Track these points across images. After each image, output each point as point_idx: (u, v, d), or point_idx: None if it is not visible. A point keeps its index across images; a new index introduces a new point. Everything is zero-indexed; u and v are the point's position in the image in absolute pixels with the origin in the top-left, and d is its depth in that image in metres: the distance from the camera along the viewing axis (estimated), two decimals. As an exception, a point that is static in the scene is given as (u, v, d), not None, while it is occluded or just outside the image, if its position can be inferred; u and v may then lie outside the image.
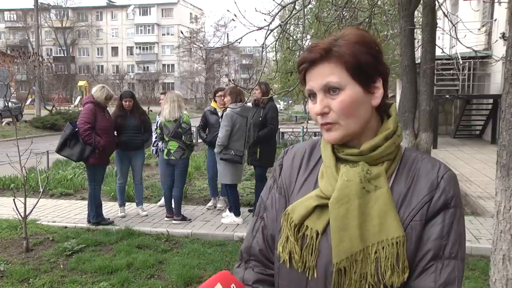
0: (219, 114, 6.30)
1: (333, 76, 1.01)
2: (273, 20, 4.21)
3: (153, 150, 6.94)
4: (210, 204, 6.73)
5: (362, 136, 1.06)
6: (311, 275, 1.03)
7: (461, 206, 1.04)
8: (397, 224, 0.98)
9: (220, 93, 6.48)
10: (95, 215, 5.73)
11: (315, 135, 15.16)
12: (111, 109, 6.23)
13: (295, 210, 1.07)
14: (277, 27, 4.61)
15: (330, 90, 1.02)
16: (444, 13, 6.28)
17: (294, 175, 1.16)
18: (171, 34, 61.25)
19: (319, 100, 1.03)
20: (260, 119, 6.05)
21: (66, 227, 5.74)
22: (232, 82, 7.39)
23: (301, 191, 1.12)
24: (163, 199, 6.79)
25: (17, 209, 4.71)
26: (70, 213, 6.48)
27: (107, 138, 5.65)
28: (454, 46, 11.89)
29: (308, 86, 1.06)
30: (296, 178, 1.15)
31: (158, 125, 6.07)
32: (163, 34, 63.17)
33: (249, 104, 6.12)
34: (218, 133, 6.19)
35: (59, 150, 5.59)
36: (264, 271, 1.17)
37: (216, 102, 6.47)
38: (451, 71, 13.18)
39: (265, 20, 4.30)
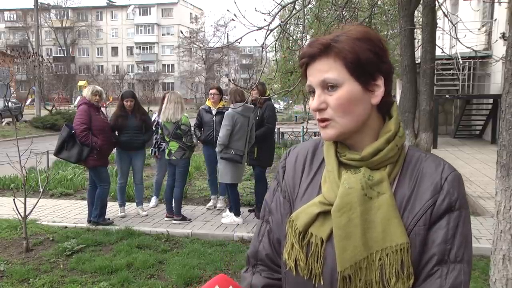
0: (213, 112, 6.31)
1: (331, 73, 0.99)
2: (273, 20, 4.21)
3: (153, 151, 6.65)
4: (210, 204, 6.73)
5: (363, 136, 1.04)
6: (317, 282, 1.03)
7: (467, 207, 1.01)
8: (401, 230, 0.97)
9: (211, 91, 6.49)
10: (99, 214, 5.73)
11: (315, 135, 15.15)
12: (112, 109, 6.24)
13: (299, 217, 1.06)
14: (277, 27, 4.61)
15: (328, 86, 1.00)
16: (444, 13, 6.27)
17: (298, 179, 1.14)
18: (171, 34, 61.25)
19: (317, 96, 1.02)
20: (257, 118, 6.06)
21: (66, 227, 5.74)
22: (232, 82, 7.39)
23: (305, 196, 1.10)
24: (153, 199, 6.83)
25: (17, 209, 4.71)
26: (70, 213, 6.48)
27: (104, 138, 5.65)
28: (454, 46, 11.88)
29: (308, 82, 1.04)
30: (299, 181, 1.13)
31: (157, 124, 6.06)
32: (163, 34, 63.16)
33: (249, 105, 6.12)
34: (211, 132, 6.21)
35: (57, 153, 5.60)
36: (272, 275, 1.16)
37: (210, 100, 6.47)
38: (451, 71, 13.19)
39: (265, 20, 4.31)
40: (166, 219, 6.01)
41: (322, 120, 1.02)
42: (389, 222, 0.98)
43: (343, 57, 0.98)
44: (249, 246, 1.22)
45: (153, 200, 6.84)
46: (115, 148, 6.07)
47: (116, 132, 5.99)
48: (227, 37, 47.18)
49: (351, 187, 1.00)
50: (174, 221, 5.87)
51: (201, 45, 43.68)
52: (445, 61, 11.18)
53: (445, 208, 0.98)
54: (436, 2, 5.83)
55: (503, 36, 10.91)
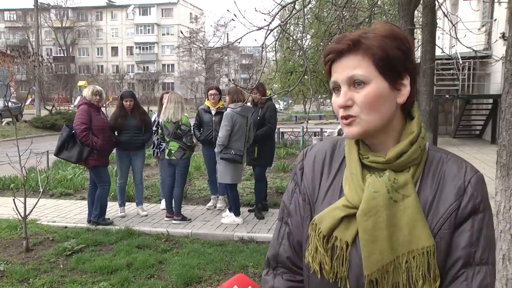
0: (213, 112, 6.31)
1: (359, 69, 0.98)
2: (273, 20, 4.21)
3: (155, 151, 6.54)
4: (210, 204, 6.73)
5: (386, 136, 1.03)
6: (343, 286, 1.02)
7: (490, 209, 1.01)
8: (426, 233, 0.97)
9: (211, 92, 6.48)
10: (99, 214, 5.73)
11: (315, 135, 15.16)
12: (112, 109, 6.25)
13: (322, 220, 1.05)
14: (277, 27, 4.61)
15: (355, 83, 0.99)
16: (444, 13, 6.27)
17: (317, 181, 1.12)
18: (171, 34, 61.23)
19: (343, 93, 1.01)
20: (258, 118, 6.06)
21: (66, 227, 5.74)
22: (232, 82, 7.39)
23: (326, 199, 1.09)
24: (163, 201, 6.79)
25: (17, 209, 4.71)
26: (70, 213, 6.48)
27: (104, 138, 5.65)
28: (454, 46, 11.90)
29: (332, 78, 1.03)
30: (319, 184, 1.12)
31: (157, 125, 6.06)
32: (163, 34, 63.15)
33: (249, 104, 6.12)
34: (211, 132, 6.21)
35: (58, 153, 5.60)
36: (293, 277, 1.16)
37: (209, 100, 6.47)
38: (451, 71, 13.20)
39: (265, 20, 4.31)
40: (166, 219, 6.01)
41: (347, 117, 1.01)
42: (415, 225, 0.97)
43: (372, 54, 0.98)
44: (268, 249, 1.21)
45: (163, 202, 6.78)
46: (115, 148, 6.07)
47: (116, 132, 5.99)
48: (227, 37, 47.19)
49: (377, 191, 0.99)
50: (174, 221, 5.87)
51: (201, 45, 43.63)
52: (445, 61, 11.20)
53: (470, 211, 0.98)
54: (436, 2, 5.83)
55: (503, 36, 10.91)
